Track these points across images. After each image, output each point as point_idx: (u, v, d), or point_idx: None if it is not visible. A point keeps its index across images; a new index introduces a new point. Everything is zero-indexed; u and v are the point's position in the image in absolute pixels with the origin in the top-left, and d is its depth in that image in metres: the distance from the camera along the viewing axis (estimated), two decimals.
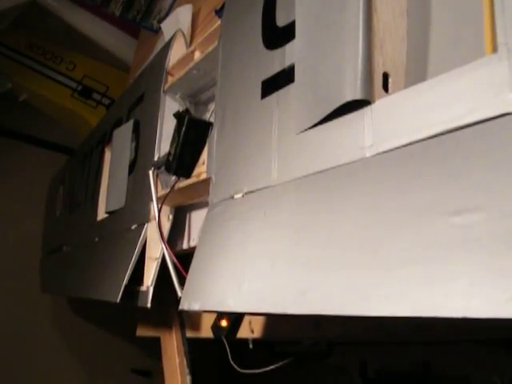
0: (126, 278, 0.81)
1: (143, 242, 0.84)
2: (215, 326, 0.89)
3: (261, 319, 0.83)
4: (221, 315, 0.87)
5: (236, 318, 0.86)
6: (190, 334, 1.04)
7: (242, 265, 0.51)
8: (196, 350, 1.11)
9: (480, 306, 0.28)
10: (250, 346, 0.86)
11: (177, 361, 0.99)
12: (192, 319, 1.04)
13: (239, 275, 0.51)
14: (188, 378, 0.97)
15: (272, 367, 0.86)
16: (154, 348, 1.16)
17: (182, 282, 0.78)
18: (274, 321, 0.82)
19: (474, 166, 0.33)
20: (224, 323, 0.86)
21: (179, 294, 0.77)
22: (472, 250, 0.30)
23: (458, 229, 0.32)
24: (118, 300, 0.80)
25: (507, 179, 0.31)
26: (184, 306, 0.57)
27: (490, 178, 0.32)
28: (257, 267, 0.49)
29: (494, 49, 0.37)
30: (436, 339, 0.85)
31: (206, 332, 0.95)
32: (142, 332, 1.35)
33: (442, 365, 1.17)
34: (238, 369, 0.87)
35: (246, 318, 0.86)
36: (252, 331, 0.84)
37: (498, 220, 0.30)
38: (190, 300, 0.57)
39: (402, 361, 1.22)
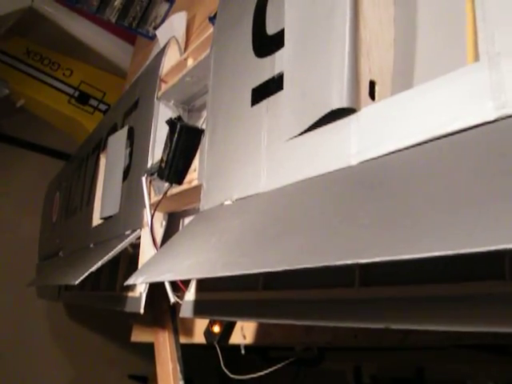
0: (95, 267, 0.83)
1: (127, 243, 0.86)
2: (208, 332, 0.89)
3: (252, 325, 0.83)
4: (213, 321, 0.87)
5: (228, 324, 0.86)
6: (183, 339, 1.04)
7: (193, 251, 0.54)
8: (195, 355, 1.11)
9: None
10: (242, 351, 0.86)
11: (170, 366, 0.99)
12: (185, 325, 1.04)
13: (186, 256, 0.53)
14: None
15: (262, 373, 0.86)
16: (150, 354, 1.16)
17: (175, 288, 0.78)
18: (265, 326, 0.82)
19: (457, 173, 0.34)
20: (216, 329, 0.86)
21: (172, 299, 0.78)
22: None
23: None
24: (76, 282, 0.82)
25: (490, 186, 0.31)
26: (130, 281, 0.60)
27: (472, 186, 0.32)
28: (207, 254, 0.50)
29: (476, 57, 0.38)
30: (428, 345, 0.85)
31: (199, 338, 0.95)
32: (137, 338, 1.35)
33: (436, 370, 1.17)
34: (230, 374, 0.87)
35: (238, 324, 0.86)
36: (244, 337, 0.84)
37: None
38: (137, 276, 0.60)
39: (396, 366, 1.22)
